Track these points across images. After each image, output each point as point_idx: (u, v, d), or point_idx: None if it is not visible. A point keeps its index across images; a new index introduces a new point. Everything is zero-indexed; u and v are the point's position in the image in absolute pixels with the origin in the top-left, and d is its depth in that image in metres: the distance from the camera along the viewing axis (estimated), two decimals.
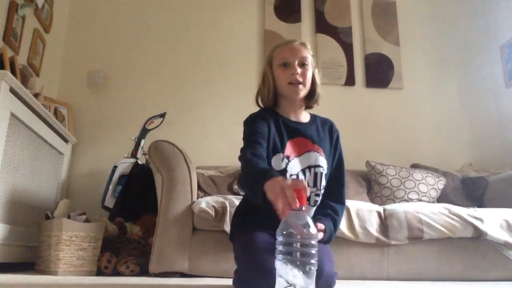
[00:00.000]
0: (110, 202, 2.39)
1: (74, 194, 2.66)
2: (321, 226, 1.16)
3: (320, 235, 1.17)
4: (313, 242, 0.83)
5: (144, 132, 2.61)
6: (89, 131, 2.83)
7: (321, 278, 1.06)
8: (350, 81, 3.14)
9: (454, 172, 2.67)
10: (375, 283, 1.68)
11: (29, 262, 2.01)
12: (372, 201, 2.36)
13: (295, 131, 1.24)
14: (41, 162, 2.23)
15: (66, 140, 2.57)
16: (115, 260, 1.88)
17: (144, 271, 1.84)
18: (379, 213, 1.84)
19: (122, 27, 3.07)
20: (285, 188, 0.83)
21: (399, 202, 2.31)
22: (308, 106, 1.33)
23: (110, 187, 2.42)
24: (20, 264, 1.95)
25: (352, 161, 2.64)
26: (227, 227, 1.69)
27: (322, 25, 3.23)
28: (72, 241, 1.80)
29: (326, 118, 1.37)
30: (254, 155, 1.10)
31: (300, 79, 1.22)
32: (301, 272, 0.80)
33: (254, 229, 1.19)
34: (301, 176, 1.20)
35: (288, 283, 0.81)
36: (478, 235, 1.79)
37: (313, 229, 0.82)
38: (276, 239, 0.85)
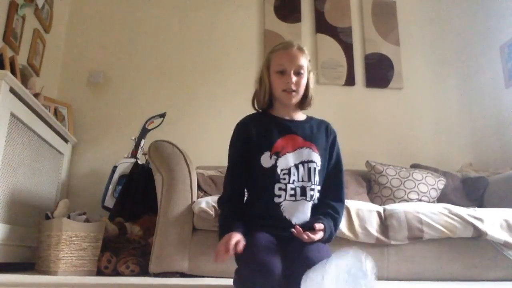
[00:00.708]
0: (110, 202, 2.39)
1: (74, 194, 2.66)
2: (319, 225, 1.16)
3: (320, 235, 1.17)
4: None
5: (144, 132, 2.61)
6: (89, 131, 2.83)
7: None
8: (350, 81, 3.14)
9: (454, 172, 2.67)
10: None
11: (29, 262, 2.01)
12: (372, 201, 2.36)
13: (287, 129, 1.29)
14: (41, 162, 2.23)
15: (66, 140, 2.57)
16: (115, 260, 1.88)
17: (144, 271, 1.84)
18: (379, 213, 1.84)
19: (122, 27, 3.07)
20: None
21: (399, 202, 2.31)
22: (301, 108, 1.37)
23: (110, 187, 2.42)
24: (20, 264, 1.95)
25: (352, 161, 2.65)
26: None
27: (322, 25, 3.23)
28: (72, 241, 1.80)
29: (322, 119, 1.41)
30: (226, 201, 1.31)
31: (294, 88, 1.27)
32: None
33: (255, 229, 1.20)
34: (293, 171, 1.24)
35: None
36: (478, 235, 1.79)
37: None
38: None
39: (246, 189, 1.31)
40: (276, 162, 1.23)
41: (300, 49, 1.30)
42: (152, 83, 2.98)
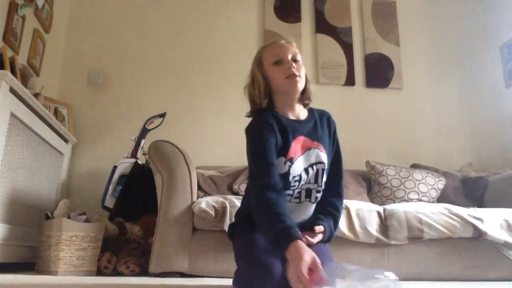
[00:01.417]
0: (110, 202, 2.39)
1: (74, 194, 2.66)
2: (319, 228, 1.16)
3: (319, 237, 1.16)
4: None
5: (144, 132, 2.61)
6: (89, 131, 2.83)
7: None
8: (350, 81, 3.14)
9: (454, 172, 2.67)
10: None
11: (29, 262, 2.01)
12: (372, 201, 2.36)
13: (296, 130, 1.23)
14: (41, 162, 2.23)
15: (66, 140, 2.57)
16: (115, 260, 1.88)
17: (144, 271, 1.84)
18: (379, 213, 1.84)
19: (122, 27, 3.07)
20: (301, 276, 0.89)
21: (399, 202, 2.31)
22: (303, 104, 1.31)
23: (110, 187, 2.42)
24: (20, 264, 1.95)
25: (352, 161, 2.65)
26: (227, 227, 1.69)
27: (322, 25, 3.23)
28: (72, 241, 1.80)
29: (322, 110, 1.36)
30: (270, 189, 1.08)
31: (297, 73, 1.22)
32: None
33: (255, 229, 1.19)
34: (303, 176, 1.19)
35: None
36: (478, 235, 1.79)
37: None
38: None
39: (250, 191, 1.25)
40: (289, 170, 1.18)
41: (290, 42, 1.29)
42: (152, 83, 2.98)
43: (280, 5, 3.22)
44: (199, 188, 2.15)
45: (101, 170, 2.68)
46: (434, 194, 2.41)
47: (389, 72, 3.18)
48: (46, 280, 1.54)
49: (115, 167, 2.47)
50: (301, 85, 1.23)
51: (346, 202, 1.85)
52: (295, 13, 3.23)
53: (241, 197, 1.57)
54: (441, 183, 2.46)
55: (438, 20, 3.37)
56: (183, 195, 1.80)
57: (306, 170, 1.20)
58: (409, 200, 2.35)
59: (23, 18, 2.33)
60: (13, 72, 2.02)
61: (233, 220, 1.46)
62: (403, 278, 1.77)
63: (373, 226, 1.79)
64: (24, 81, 2.15)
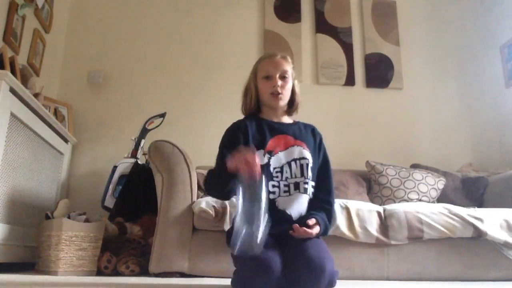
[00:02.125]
0: (110, 202, 2.39)
1: (74, 194, 2.66)
2: (312, 220, 1.19)
3: (317, 229, 1.19)
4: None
5: (144, 132, 2.61)
6: (89, 131, 2.83)
7: (322, 276, 1.06)
8: (350, 81, 3.14)
9: (454, 172, 2.67)
10: (375, 283, 1.69)
11: (29, 262, 2.00)
12: (372, 201, 2.36)
13: (277, 130, 1.36)
14: (41, 162, 2.23)
15: (66, 140, 2.57)
16: (115, 260, 1.88)
17: (144, 271, 1.84)
18: (379, 213, 1.84)
19: (122, 27, 3.07)
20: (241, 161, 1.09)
21: (399, 202, 2.31)
22: (288, 114, 1.44)
23: (110, 187, 2.42)
24: (20, 264, 1.95)
25: (352, 161, 2.65)
26: (227, 227, 1.69)
27: (322, 25, 3.23)
28: (72, 241, 1.80)
29: (308, 123, 1.47)
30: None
31: (280, 91, 1.34)
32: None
33: None
34: (286, 169, 1.29)
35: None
36: (478, 235, 1.79)
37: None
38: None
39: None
40: (269, 161, 1.28)
41: (284, 57, 1.40)
42: (152, 83, 2.98)
43: (280, 5, 3.22)
44: (199, 188, 2.15)
45: (101, 170, 2.68)
46: (434, 194, 2.41)
47: (389, 72, 3.18)
48: (46, 280, 1.54)
49: (115, 167, 2.47)
50: (282, 102, 1.37)
51: (346, 202, 1.85)
52: (295, 13, 3.22)
53: None
54: (441, 183, 2.46)
55: (438, 20, 3.37)
56: (183, 195, 1.80)
57: (289, 164, 1.30)
58: (409, 200, 2.35)
59: (23, 18, 2.33)
60: (13, 72, 2.02)
61: (232, 223, 1.46)
62: (403, 278, 1.78)
63: (373, 226, 1.79)
64: (24, 81, 2.14)
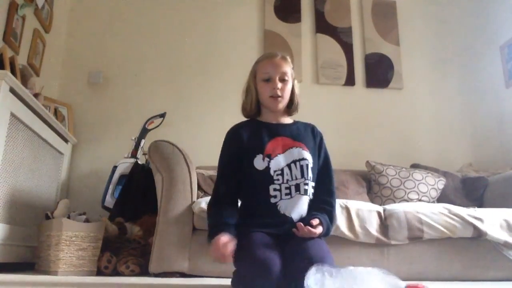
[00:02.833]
0: (110, 202, 2.39)
1: (74, 194, 2.66)
2: (315, 221, 1.18)
3: (320, 229, 1.18)
4: None
5: (144, 132, 2.61)
6: (89, 131, 2.82)
7: None
8: (350, 81, 3.14)
9: (454, 172, 2.67)
10: None
11: (29, 262, 2.01)
12: (372, 201, 2.36)
13: (275, 132, 1.34)
14: (41, 162, 2.23)
15: (66, 140, 2.57)
16: (115, 260, 1.88)
17: (144, 271, 1.84)
18: (379, 213, 1.84)
19: (122, 27, 3.07)
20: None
21: (399, 202, 2.31)
22: (288, 114, 1.42)
23: (110, 187, 2.42)
24: (20, 264, 1.95)
25: (352, 161, 2.65)
26: None
27: (322, 25, 3.23)
28: (72, 241, 1.80)
29: (308, 123, 1.45)
30: (224, 192, 1.31)
31: (280, 94, 1.32)
32: None
33: (251, 230, 1.21)
34: (286, 171, 1.28)
35: None
36: (478, 235, 1.79)
37: None
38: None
39: (241, 194, 1.33)
40: (268, 164, 1.27)
41: (284, 58, 1.37)
42: (152, 83, 2.98)
43: (280, 5, 3.22)
44: (199, 188, 2.15)
45: (101, 170, 2.68)
46: (434, 194, 2.41)
47: (389, 72, 3.18)
48: (46, 280, 1.54)
49: (115, 167, 2.47)
50: (282, 105, 1.35)
51: (346, 202, 1.85)
52: (295, 13, 3.22)
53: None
54: (441, 183, 2.46)
55: (438, 20, 3.37)
56: (183, 195, 1.80)
57: (289, 166, 1.28)
58: (409, 200, 2.35)
59: (23, 18, 2.33)
60: (13, 72, 2.02)
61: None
62: (403, 278, 1.77)
63: (373, 226, 1.79)
64: (24, 81, 2.15)
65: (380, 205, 2.05)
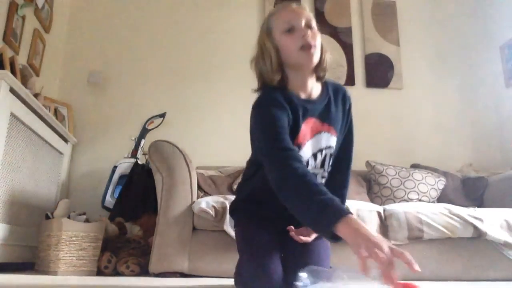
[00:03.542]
0: (110, 202, 2.39)
1: (74, 194, 2.66)
2: (308, 230, 1.15)
3: (314, 235, 1.17)
4: None
5: (144, 132, 2.61)
6: (89, 131, 2.83)
7: None
8: (350, 81, 3.14)
9: (454, 172, 2.67)
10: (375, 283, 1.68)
11: (29, 262, 2.00)
12: (372, 201, 2.36)
13: (307, 112, 1.10)
14: (41, 162, 2.23)
15: (66, 140, 2.57)
16: (115, 260, 1.88)
17: (144, 271, 1.84)
18: (379, 213, 1.84)
19: (122, 27, 3.07)
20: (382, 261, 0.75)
21: (399, 202, 2.31)
22: (317, 77, 1.16)
23: (110, 187, 2.42)
24: (20, 264, 1.95)
25: (352, 161, 2.65)
26: (227, 227, 1.69)
27: (322, 25, 3.17)
28: (72, 241, 1.80)
29: (337, 84, 1.22)
30: (293, 159, 0.95)
31: (313, 42, 1.07)
32: None
33: (257, 221, 1.16)
34: (311, 162, 1.09)
35: None
36: (478, 235, 1.79)
37: None
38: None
39: (255, 177, 1.15)
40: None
41: (302, 6, 1.15)
42: (152, 83, 2.98)
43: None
44: (199, 188, 2.15)
45: (101, 170, 2.68)
46: (434, 194, 2.41)
47: (389, 72, 3.18)
48: (46, 280, 1.54)
49: (115, 167, 2.47)
50: (316, 58, 1.08)
51: (346, 202, 1.85)
52: None
53: None
54: (441, 183, 2.46)
55: (438, 20, 3.36)
56: (183, 195, 1.80)
57: (314, 156, 1.10)
58: (409, 200, 2.35)
59: (23, 18, 2.33)
60: (13, 72, 2.02)
61: (233, 206, 1.35)
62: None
63: (373, 226, 1.79)
64: (24, 81, 2.15)
65: (380, 205, 2.05)
